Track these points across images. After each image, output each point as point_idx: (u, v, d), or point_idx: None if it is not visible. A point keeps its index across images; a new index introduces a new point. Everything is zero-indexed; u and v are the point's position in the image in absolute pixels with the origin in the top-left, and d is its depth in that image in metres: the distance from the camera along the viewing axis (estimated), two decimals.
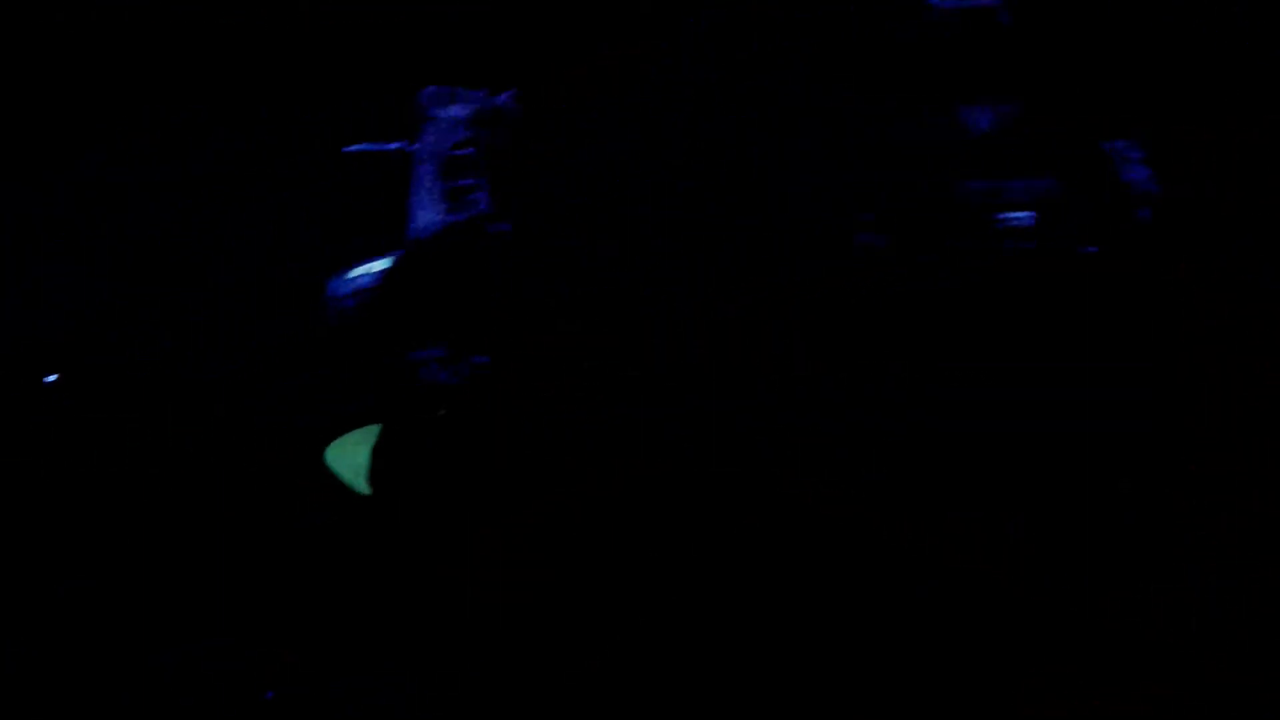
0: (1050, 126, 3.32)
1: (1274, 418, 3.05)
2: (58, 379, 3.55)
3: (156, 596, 3.23)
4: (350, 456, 3.35)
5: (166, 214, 3.86)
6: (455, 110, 3.53)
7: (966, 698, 2.96)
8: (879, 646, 3.02)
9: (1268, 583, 2.95)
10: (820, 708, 2.98)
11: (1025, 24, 3.36)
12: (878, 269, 3.29)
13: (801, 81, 3.50)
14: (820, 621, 3.05)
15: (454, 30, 3.88)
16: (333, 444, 3.39)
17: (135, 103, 3.93)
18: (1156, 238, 3.20)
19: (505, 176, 3.50)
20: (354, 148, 3.64)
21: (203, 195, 3.87)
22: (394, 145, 3.58)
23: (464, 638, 3.12)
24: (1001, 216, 3.26)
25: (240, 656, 3.12)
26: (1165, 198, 3.21)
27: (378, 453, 3.32)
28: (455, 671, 3.08)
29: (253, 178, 3.89)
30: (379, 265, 3.49)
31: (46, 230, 3.85)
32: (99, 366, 3.59)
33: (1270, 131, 3.29)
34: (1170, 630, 2.95)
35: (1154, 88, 3.33)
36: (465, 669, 3.08)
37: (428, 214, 3.45)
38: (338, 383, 3.47)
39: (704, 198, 3.41)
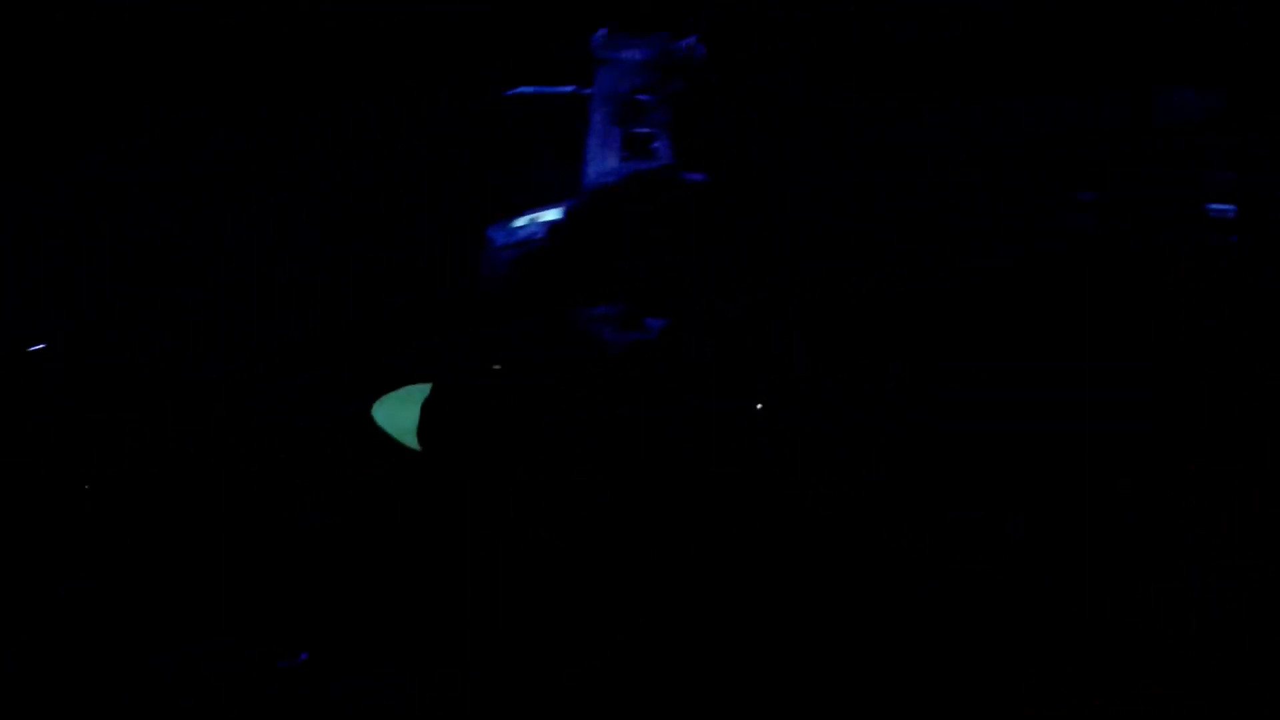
0: (1253, 119, 3.25)
1: (1274, 418, 3.05)
2: (43, 349, 3.53)
3: (156, 596, 3.23)
4: (399, 414, 3.28)
5: (166, 214, 3.85)
6: (633, 54, 3.31)
7: (966, 698, 2.96)
8: (879, 646, 3.02)
9: (1268, 583, 2.95)
10: (821, 707, 2.98)
11: (1235, 11, 3.28)
12: (878, 269, 3.29)
13: (801, 81, 3.50)
14: (820, 621, 3.05)
15: (452, 28, 3.87)
16: (380, 400, 3.28)
17: (135, 103, 3.93)
18: None
19: (688, 125, 3.31)
20: (521, 90, 3.45)
21: (203, 195, 3.87)
22: (566, 89, 3.40)
23: (464, 638, 3.12)
24: (1208, 207, 3.17)
25: (240, 656, 3.12)
26: None
27: (428, 411, 3.23)
28: (455, 671, 3.08)
29: (253, 178, 3.88)
30: (547, 215, 3.31)
31: (46, 230, 3.85)
32: (99, 366, 3.59)
33: None
34: (1170, 630, 2.95)
35: None
36: (465, 669, 3.08)
37: (603, 161, 3.25)
38: (338, 382, 3.47)
39: (704, 198, 3.38)
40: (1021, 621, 3.00)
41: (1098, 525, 3.04)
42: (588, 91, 3.36)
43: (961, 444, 3.11)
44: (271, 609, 3.21)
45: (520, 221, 3.32)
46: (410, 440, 3.24)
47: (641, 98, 3.28)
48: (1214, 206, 3.17)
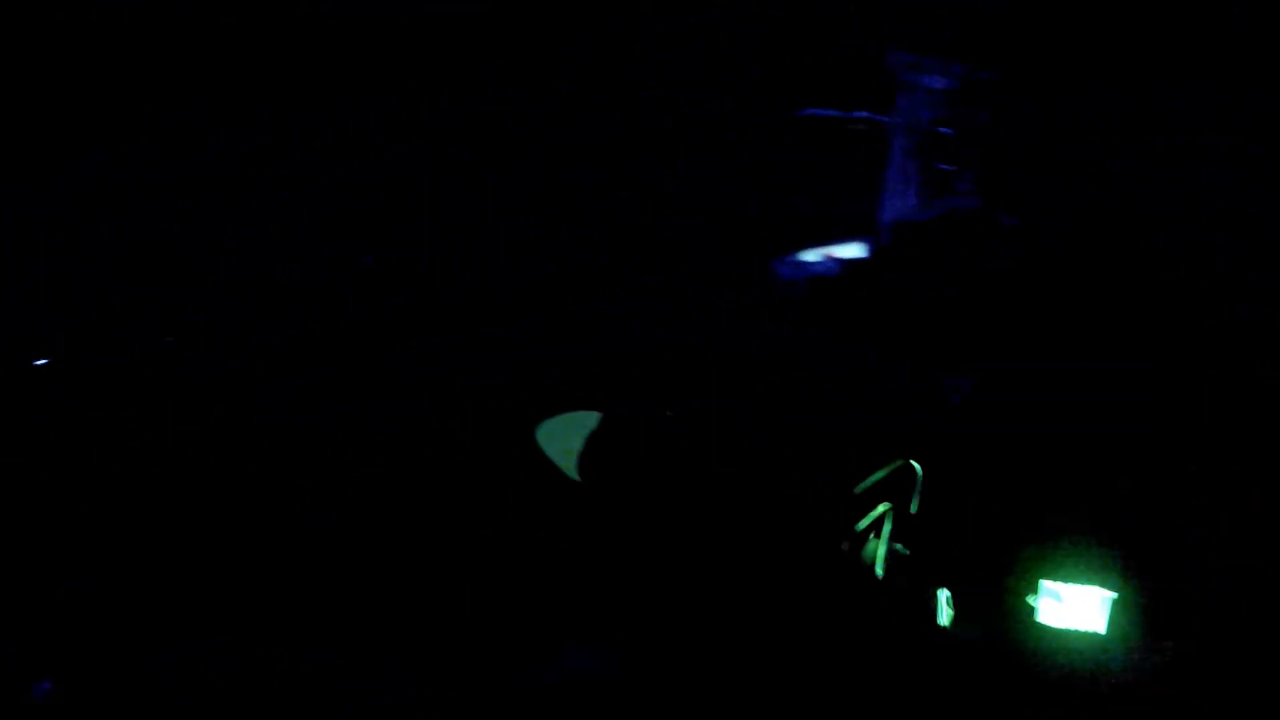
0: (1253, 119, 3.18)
1: (1274, 418, 3.05)
2: (48, 364, 3.53)
3: (156, 596, 3.24)
4: (562, 439, 3.22)
5: (166, 214, 3.85)
6: (934, 81, 3.06)
7: (967, 697, 2.96)
8: (879, 645, 3.02)
9: (1268, 583, 2.95)
10: (821, 706, 2.98)
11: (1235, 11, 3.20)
12: (877, 272, 3.29)
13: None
14: (820, 621, 3.05)
15: (452, 28, 3.87)
16: (544, 423, 3.17)
17: (135, 103, 3.93)
18: None
19: (987, 163, 3.04)
20: (813, 111, 3.13)
21: (203, 195, 3.87)
22: (860, 114, 3.11)
23: (464, 638, 3.12)
24: None
25: (240, 656, 3.12)
26: None
27: (592, 441, 3.20)
28: (455, 671, 3.08)
29: (253, 178, 3.88)
30: (843, 250, 3.06)
31: (46, 230, 3.85)
32: (99, 366, 3.59)
33: None
34: (1170, 630, 2.95)
35: None
36: (465, 669, 3.08)
37: (904, 197, 3.00)
38: (338, 382, 3.48)
39: (1015, 243, 3.23)
40: (1021, 621, 3.01)
41: (1098, 525, 3.04)
42: (886, 119, 3.12)
43: (962, 444, 3.11)
44: (271, 609, 3.21)
45: (810, 255, 3.09)
46: (570, 468, 3.19)
47: (943, 130, 3.04)
48: None
